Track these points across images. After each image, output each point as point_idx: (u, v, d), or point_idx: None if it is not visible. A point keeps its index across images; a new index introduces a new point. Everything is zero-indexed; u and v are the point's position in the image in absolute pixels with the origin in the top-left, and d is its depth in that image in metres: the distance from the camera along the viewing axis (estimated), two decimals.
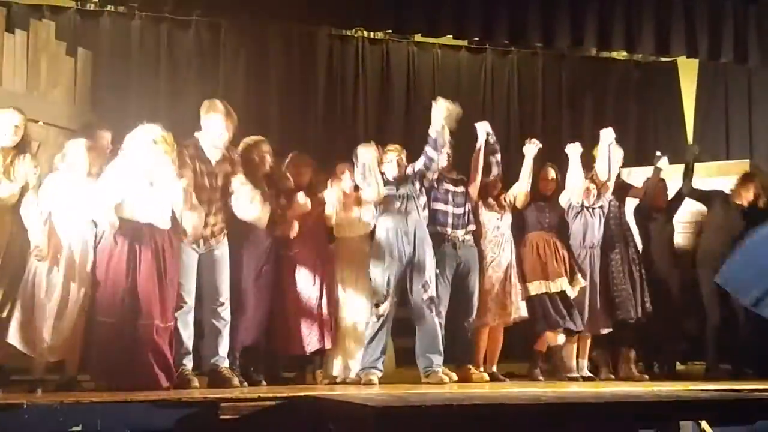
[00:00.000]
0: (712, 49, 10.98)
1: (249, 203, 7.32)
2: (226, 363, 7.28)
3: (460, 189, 8.34)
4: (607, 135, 8.71)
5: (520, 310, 8.37)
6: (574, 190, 8.63)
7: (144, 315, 6.69)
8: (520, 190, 8.59)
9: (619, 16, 10.76)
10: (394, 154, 8.03)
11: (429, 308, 7.88)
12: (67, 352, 6.65)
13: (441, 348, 7.90)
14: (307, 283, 7.72)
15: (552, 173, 8.80)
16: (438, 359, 7.88)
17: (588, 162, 8.81)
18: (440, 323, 7.96)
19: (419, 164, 7.99)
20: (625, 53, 11.93)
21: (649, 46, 10.97)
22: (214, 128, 7.25)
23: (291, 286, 7.70)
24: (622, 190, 9.04)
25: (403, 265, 7.84)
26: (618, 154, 8.78)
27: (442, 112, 7.88)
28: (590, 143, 11.33)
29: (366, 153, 7.85)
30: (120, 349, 6.62)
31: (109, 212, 6.66)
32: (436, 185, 8.21)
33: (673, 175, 9.29)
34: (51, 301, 6.59)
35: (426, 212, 8.04)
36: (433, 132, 7.90)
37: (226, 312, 7.30)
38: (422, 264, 7.87)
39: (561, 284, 8.41)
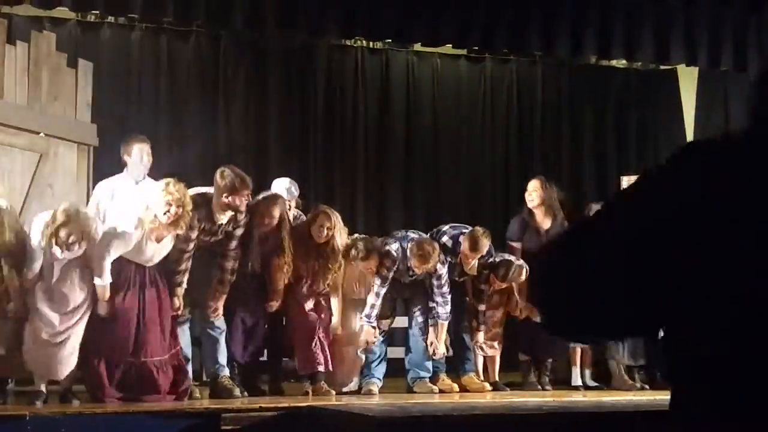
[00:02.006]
0: (711, 57, 10.98)
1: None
2: (226, 372, 7.28)
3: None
4: None
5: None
6: None
7: (149, 352, 6.74)
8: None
9: (618, 25, 10.76)
10: None
11: (422, 330, 7.97)
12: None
13: (430, 366, 7.97)
14: (308, 302, 7.72)
15: (536, 185, 8.73)
16: (425, 374, 7.94)
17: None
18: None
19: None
20: (624, 62, 11.93)
21: (649, 54, 10.97)
22: (234, 202, 7.18)
23: (293, 304, 7.69)
24: None
25: (404, 285, 7.91)
26: None
27: None
28: (591, 153, 11.41)
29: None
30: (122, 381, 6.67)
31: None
32: None
33: None
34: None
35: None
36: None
37: (219, 321, 7.32)
38: (419, 289, 7.93)
39: None
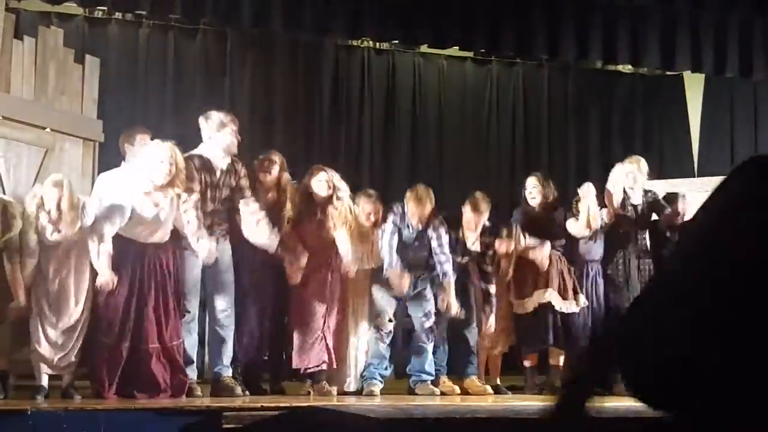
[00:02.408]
0: (717, 63, 10.98)
1: (255, 227, 7.33)
2: (229, 372, 7.27)
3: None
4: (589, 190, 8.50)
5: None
6: (585, 229, 8.49)
7: (148, 339, 6.73)
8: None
9: (624, 30, 10.77)
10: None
11: (427, 336, 7.96)
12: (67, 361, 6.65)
13: (432, 369, 7.96)
14: (312, 299, 7.69)
15: (536, 182, 8.60)
16: (426, 377, 7.92)
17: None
18: (443, 339, 8.04)
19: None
20: (630, 66, 11.93)
21: (655, 60, 10.97)
22: (224, 138, 7.25)
23: (296, 300, 7.68)
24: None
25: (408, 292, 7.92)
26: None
27: None
28: (597, 157, 11.41)
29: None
30: (121, 368, 6.66)
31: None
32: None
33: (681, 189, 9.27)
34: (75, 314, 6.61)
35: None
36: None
37: (229, 320, 7.31)
38: (425, 293, 7.94)
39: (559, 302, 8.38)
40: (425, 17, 10.06)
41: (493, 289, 8.20)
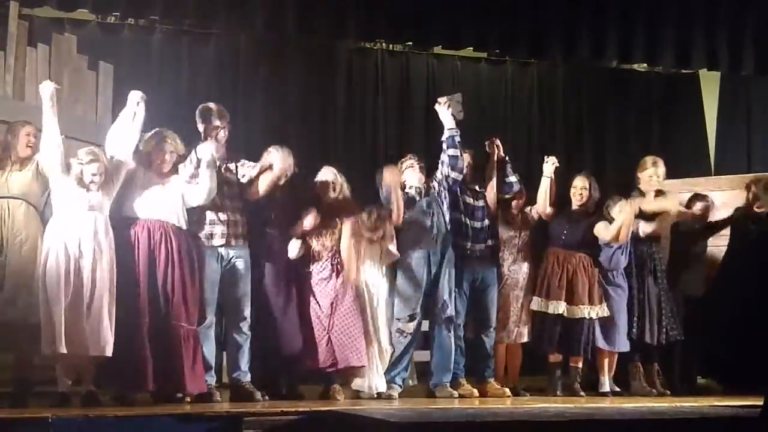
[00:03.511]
0: (733, 62, 10.95)
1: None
2: (248, 377, 7.27)
3: (480, 203, 8.30)
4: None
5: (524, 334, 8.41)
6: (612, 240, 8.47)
7: (174, 316, 6.74)
8: (539, 210, 8.52)
9: (639, 29, 10.75)
10: (414, 161, 8.04)
11: (447, 328, 7.93)
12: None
13: (451, 366, 7.95)
14: (321, 300, 7.65)
15: (584, 182, 8.62)
16: (447, 376, 7.92)
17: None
18: (458, 337, 7.99)
19: (445, 169, 7.99)
20: (645, 65, 11.88)
21: (670, 58, 10.96)
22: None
23: (306, 302, 7.64)
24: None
25: (428, 285, 7.87)
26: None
27: (451, 106, 8.10)
28: (614, 156, 11.38)
29: (389, 175, 7.85)
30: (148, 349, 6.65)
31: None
32: (459, 191, 8.17)
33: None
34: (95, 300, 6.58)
35: (450, 226, 8.01)
36: (448, 131, 7.97)
37: (247, 326, 7.31)
38: (443, 284, 7.90)
39: (577, 310, 8.37)
40: (439, 18, 10.05)
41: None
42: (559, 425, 5.49)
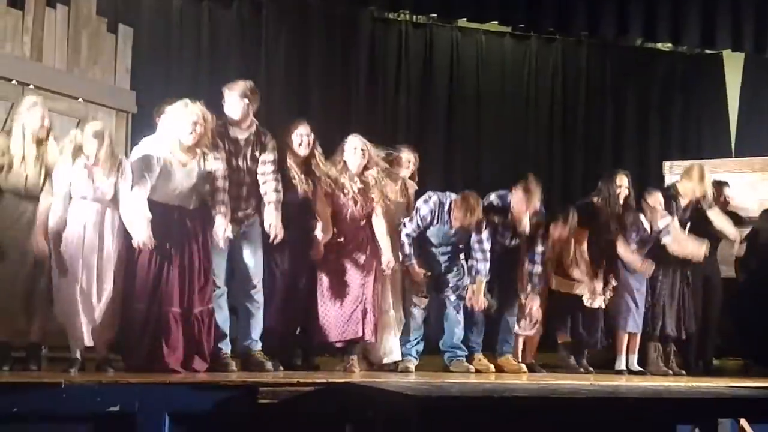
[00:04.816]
0: (758, 43, 10.88)
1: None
2: (259, 346, 7.18)
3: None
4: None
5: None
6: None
7: (166, 301, 6.61)
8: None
9: (665, 7, 10.68)
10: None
11: (456, 309, 7.92)
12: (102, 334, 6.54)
13: (462, 345, 7.93)
14: (350, 272, 7.56)
15: (624, 181, 8.51)
16: (461, 352, 7.89)
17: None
18: (481, 317, 8.01)
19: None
20: (670, 45, 11.79)
21: (695, 38, 10.92)
22: (233, 107, 7.15)
23: (332, 273, 7.53)
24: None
25: (442, 264, 7.87)
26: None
27: None
28: (634, 135, 11.30)
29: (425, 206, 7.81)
30: (149, 333, 6.56)
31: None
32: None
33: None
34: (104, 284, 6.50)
35: None
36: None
37: (259, 295, 7.19)
38: (451, 264, 7.92)
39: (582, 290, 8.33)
40: None
41: (538, 269, 8.11)
42: (575, 401, 5.42)
